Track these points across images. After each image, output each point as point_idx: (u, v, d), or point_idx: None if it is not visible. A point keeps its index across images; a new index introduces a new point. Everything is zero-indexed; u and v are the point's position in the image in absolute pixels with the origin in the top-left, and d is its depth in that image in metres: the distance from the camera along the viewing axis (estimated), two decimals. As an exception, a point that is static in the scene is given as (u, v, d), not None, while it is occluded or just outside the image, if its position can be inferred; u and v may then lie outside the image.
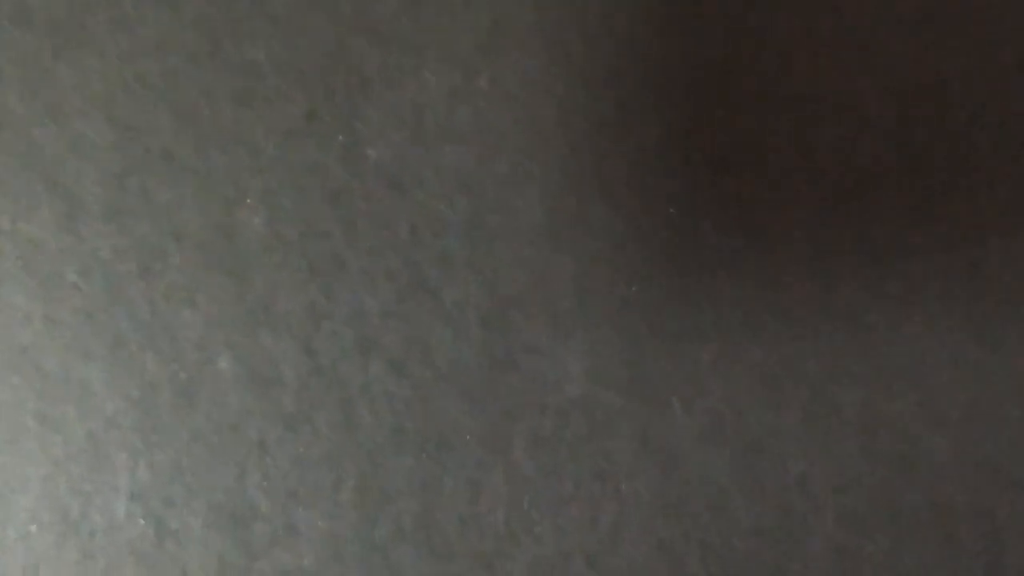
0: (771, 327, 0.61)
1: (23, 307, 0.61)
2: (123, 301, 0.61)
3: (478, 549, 0.61)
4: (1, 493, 0.61)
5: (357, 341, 0.61)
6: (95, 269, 0.61)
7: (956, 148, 0.60)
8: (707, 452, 0.61)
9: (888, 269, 0.60)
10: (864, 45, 0.61)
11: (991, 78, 0.60)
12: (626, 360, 0.61)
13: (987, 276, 0.60)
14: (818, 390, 0.61)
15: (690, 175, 0.61)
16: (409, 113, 0.61)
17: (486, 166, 0.61)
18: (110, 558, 0.61)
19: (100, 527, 0.61)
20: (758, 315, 0.61)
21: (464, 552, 0.61)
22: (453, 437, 0.61)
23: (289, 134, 0.61)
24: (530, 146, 0.61)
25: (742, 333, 0.61)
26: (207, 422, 0.61)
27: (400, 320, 0.61)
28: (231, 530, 0.61)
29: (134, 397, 0.61)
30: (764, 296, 0.61)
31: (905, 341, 0.61)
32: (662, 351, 0.61)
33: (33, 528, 0.61)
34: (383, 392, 0.61)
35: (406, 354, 0.61)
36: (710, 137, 0.61)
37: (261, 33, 0.61)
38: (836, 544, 0.60)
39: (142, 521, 0.61)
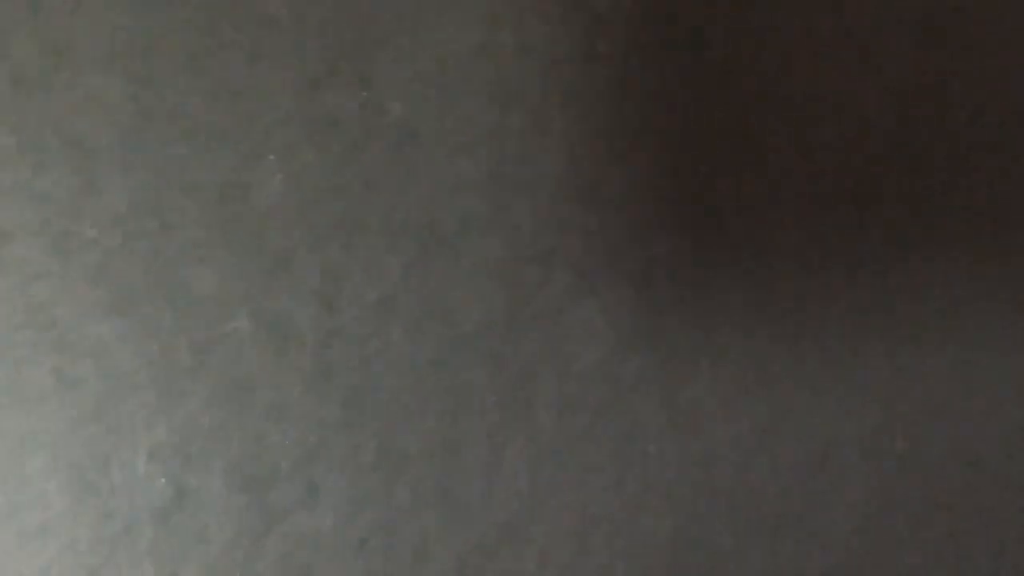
0: (795, 289, 0.59)
1: (39, 263, 0.60)
2: (140, 257, 0.61)
3: (500, 513, 0.60)
4: (18, 452, 0.61)
5: (376, 300, 0.60)
6: (111, 225, 0.60)
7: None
8: (733, 415, 0.60)
9: (915, 229, 0.59)
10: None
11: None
12: (650, 321, 0.60)
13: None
14: (845, 351, 0.59)
15: (720, 129, 0.59)
16: (430, 67, 0.60)
17: (507, 121, 0.60)
18: (128, 518, 0.61)
19: (118, 487, 0.61)
20: (782, 276, 0.59)
21: (486, 516, 0.60)
22: (474, 400, 0.60)
23: (308, 89, 0.60)
24: (553, 102, 0.60)
25: (766, 295, 0.59)
26: (224, 382, 0.61)
27: (420, 279, 0.60)
28: (250, 491, 0.61)
29: (151, 355, 0.61)
30: (789, 263, 0.59)
31: (933, 305, 0.59)
32: (687, 312, 0.60)
33: (50, 486, 0.61)
34: (403, 353, 0.60)
35: (426, 314, 0.60)
36: (740, 82, 0.59)
37: (279, -15, 0.60)
38: (861, 505, 0.59)
39: (162, 480, 0.61)
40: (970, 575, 0.59)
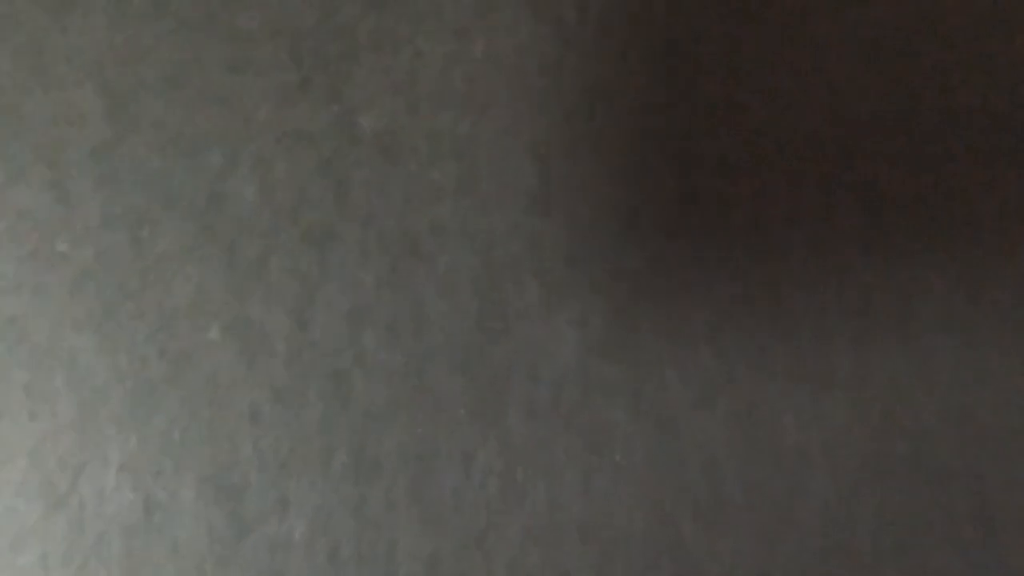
0: (761, 293, 0.61)
1: (12, 277, 0.61)
2: (113, 271, 0.61)
3: (471, 520, 0.61)
4: (-11, 464, 0.61)
5: (349, 311, 0.61)
6: (85, 238, 0.61)
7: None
8: (701, 419, 0.61)
9: (875, 231, 0.60)
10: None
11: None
12: (620, 328, 0.61)
13: (978, 248, 0.60)
14: (809, 354, 0.61)
15: (685, 137, 0.61)
16: (402, 80, 0.61)
17: (479, 133, 0.61)
18: (99, 530, 0.61)
19: (89, 499, 0.61)
20: (749, 281, 0.61)
21: (457, 523, 0.61)
22: (445, 407, 0.61)
23: (281, 102, 0.61)
24: (523, 112, 0.61)
25: (733, 300, 0.61)
26: (197, 393, 0.61)
27: (393, 289, 0.61)
28: (222, 502, 0.61)
29: (123, 367, 0.61)
30: (753, 261, 0.61)
31: (895, 300, 0.61)
32: (655, 319, 0.61)
33: (21, 501, 0.61)
34: (376, 362, 0.61)
35: (399, 323, 0.61)
36: (707, 92, 0.61)
37: (254, 0, 0.61)
38: (829, 505, 0.60)
39: (131, 494, 0.61)
40: (935, 570, 0.61)
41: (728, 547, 0.60)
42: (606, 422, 0.61)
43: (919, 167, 0.61)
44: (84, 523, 0.61)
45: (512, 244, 0.61)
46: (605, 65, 0.62)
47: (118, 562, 0.61)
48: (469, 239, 0.61)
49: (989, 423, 0.61)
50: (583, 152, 0.61)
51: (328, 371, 0.61)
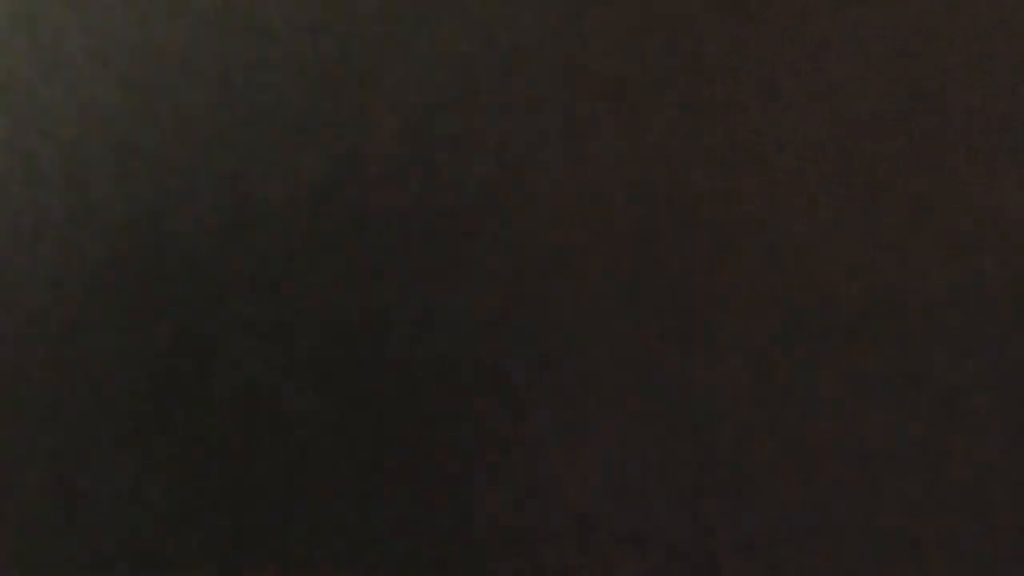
0: (801, 292, 0.60)
1: (32, 273, 0.60)
2: (135, 268, 0.61)
3: (497, 516, 0.60)
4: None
5: (378, 306, 0.61)
6: (105, 235, 0.61)
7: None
8: (732, 414, 0.60)
9: (921, 233, 0.60)
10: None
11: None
12: (651, 324, 0.60)
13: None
14: (848, 348, 0.60)
15: (706, 122, 0.60)
16: (427, 73, 0.61)
17: (506, 130, 0.60)
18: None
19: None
20: (787, 280, 0.60)
21: (484, 519, 0.61)
22: (472, 405, 0.61)
23: (303, 96, 0.61)
24: (550, 110, 0.60)
25: (769, 290, 0.60)
26: (226, 391, 0.61)
27: (421, 283, 0.61)
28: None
29: (149, 367, 0.61)
30: (794, 263, 0.60)
31: (939, 307, 0.60)
32: (683, 310, 0.60)
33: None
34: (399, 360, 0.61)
35: (426, 321, 0.61)
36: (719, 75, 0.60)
37: (275, -7, 0.61)
38: (862, 505, 0.60)
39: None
40: (964, 569, 0.60)
41: (758, 545, 0.60)
42: (637, 420, 0.60)
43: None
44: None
45: (543, 233, 0.61)
46: (634, 64, 0.61)
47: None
48: (495, 232, 0.61)
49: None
50: (619, 152, 0.61)
51: (353, 367, 0.61)
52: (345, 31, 0.61)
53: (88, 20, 0.61)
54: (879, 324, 0.60)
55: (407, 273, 0.61)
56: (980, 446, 0.60)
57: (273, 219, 0.61)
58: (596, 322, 0.60)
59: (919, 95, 0.60)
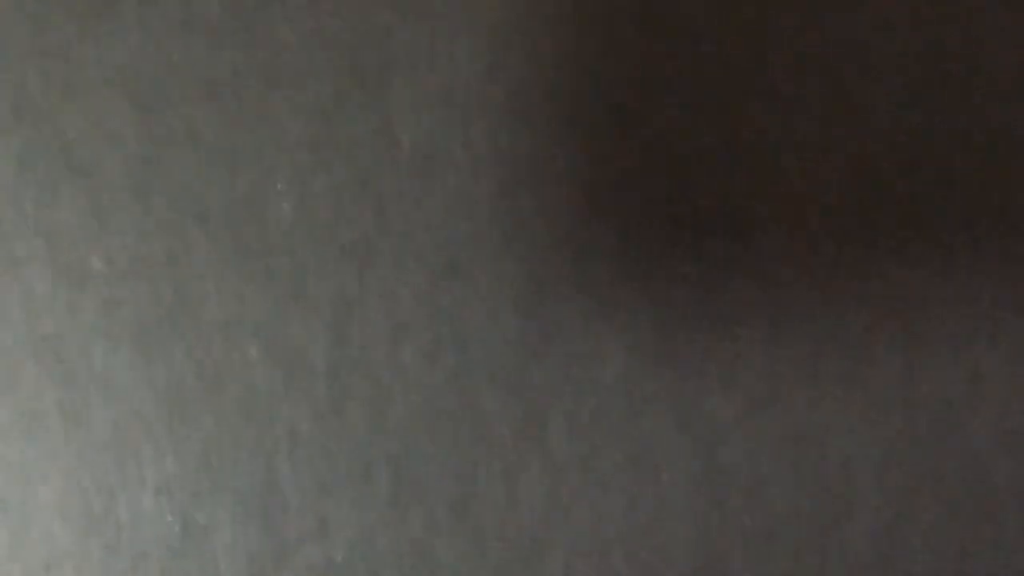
0: (810, 305, 0.60)
1: (45, 294, 0.60)
2: (148, 288, 0.60)
3: (515, 540, 0.60)
4: (23, 488, 0.60)
5: (389, 327, 0.60)
6: (119, 255, 0.60)
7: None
8: (747, 435, 0.60)
9: (926, 247, 0.60)
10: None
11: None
12: (664, 343, 0.60)
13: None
14: (858, 372, 0.60)
15: (726, 144, 0.60)
16: (440, 91, 0.60)
17: (518, 144, 0.60)
18: (135, 553, 0.61)
19: (125, 522, 0.60)
20: (797, 293, 0.60)
21: (500, 543, 0.60)
22: (488, 424, 0.60)
23: (318, 115, 0.60)
24: (563, 123, 0.60)
25: (781, 314, 0.60)
26: (234, 412, 0.61)
27: (433, 305, 0.60)
28: (260, 524, 0.60)
29: (159, 386, 0.60)
30: (802, 275, 0.60)
31: (945, 320, 0.60)
32: (700, 333, 0.60)
33: (56, 522, 0.60)
34: (416, 380, 0.60)
35: (439, 340, 0.60)
36: (732, 107, 0.60)
37: (289, 11, 0.60)
38: (879, 523, 0.60)
39: (169, 516, 0.60)
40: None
41: (774, 567, 0.60)
42: (651, 439, 0.60)
43: (961, 177, 0.60)
44: (120, 546, 0.61)
45: (553, 257, 0.60)
46: (647, 73, 0.61)
47: (155, 585, 0.61)
48: (510, 253, 0.61)
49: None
50: (625, 163, 0.60)
51: (367, 389, 0.61)
52: (360, 44, 0.61)
53: (102, 41, 0.61)
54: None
55: (421, 296, 0.61)
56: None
57: (287, 239, 0.61)
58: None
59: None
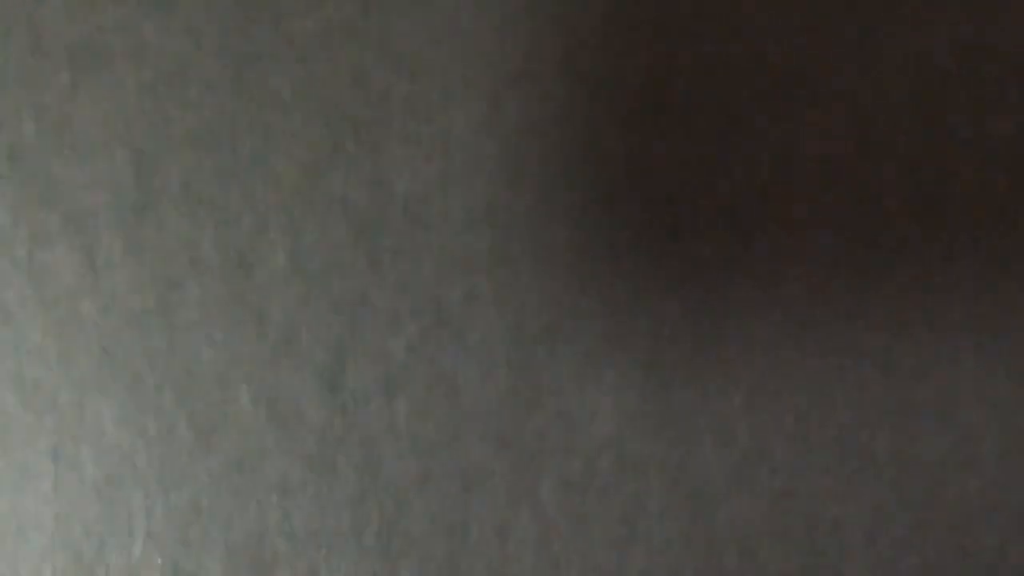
0: (800, 369, 0.60)
1: (38, 343, 0.60)
2: (140, 337, 0.61)
3: (504, 594, 0.60)
4: (14, 533, 0.60)
5: (381, 379, 0.61)
6: (112, 304, 0.61)
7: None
8: (738, 496, 0.60)
9: (915, 310, 0.60)
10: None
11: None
12: (656, 401, 0.60)
13: (1015, 308, 0.60)
14: (849, 433, 0.60)
15: (723, 199, 0.60)
16: (435, 145, 0.60)
17: (512, 198, 0.60)
18: (125, 601, 0.61)
19: (115, 569, 0.61)
20: (787, 357, 0.60)
21: (489, 597, 0.60)
22: (479, 479, 0.61)
23: (313, 166, 0.61)
24: (557, 179, 0.60)
25: (772, 375, 0.60)
26: (226, 462, 0.61)
27: (425, 358, 0.61)
28: (250, 574, 0.60)
29: (151, 435, 0.61)
30: (793, 338, 0.60)
31: (935, 381, 0.60)
32: (692, 391, 0.60)
33: (46, 569, 0.60)
34: (408, 433, 0.60)
35: (431, 393, 0.61)
36: (731, 153, 0.60)
37: (284, 63, 0.60)
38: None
39: (159, 561, 0.60)
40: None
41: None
42: (641, 496, 0.60)
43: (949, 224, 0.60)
44: (110, 594, 0.61)
45: (546, 313, 0.61)
46: (640, 133, 0.61)
47: (144, 634, 0.61)
48: (503, 307, 0.61)
49: (1035, 506, 0.60)
50: (620, 221, 0.60)
51: (359, 441, 0.61)
52: (356, 97, 0.61)
53: (97, 90, 0.61)
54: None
55: (414, 350, 0.61)
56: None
57: (281, 290, 0.61)
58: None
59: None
